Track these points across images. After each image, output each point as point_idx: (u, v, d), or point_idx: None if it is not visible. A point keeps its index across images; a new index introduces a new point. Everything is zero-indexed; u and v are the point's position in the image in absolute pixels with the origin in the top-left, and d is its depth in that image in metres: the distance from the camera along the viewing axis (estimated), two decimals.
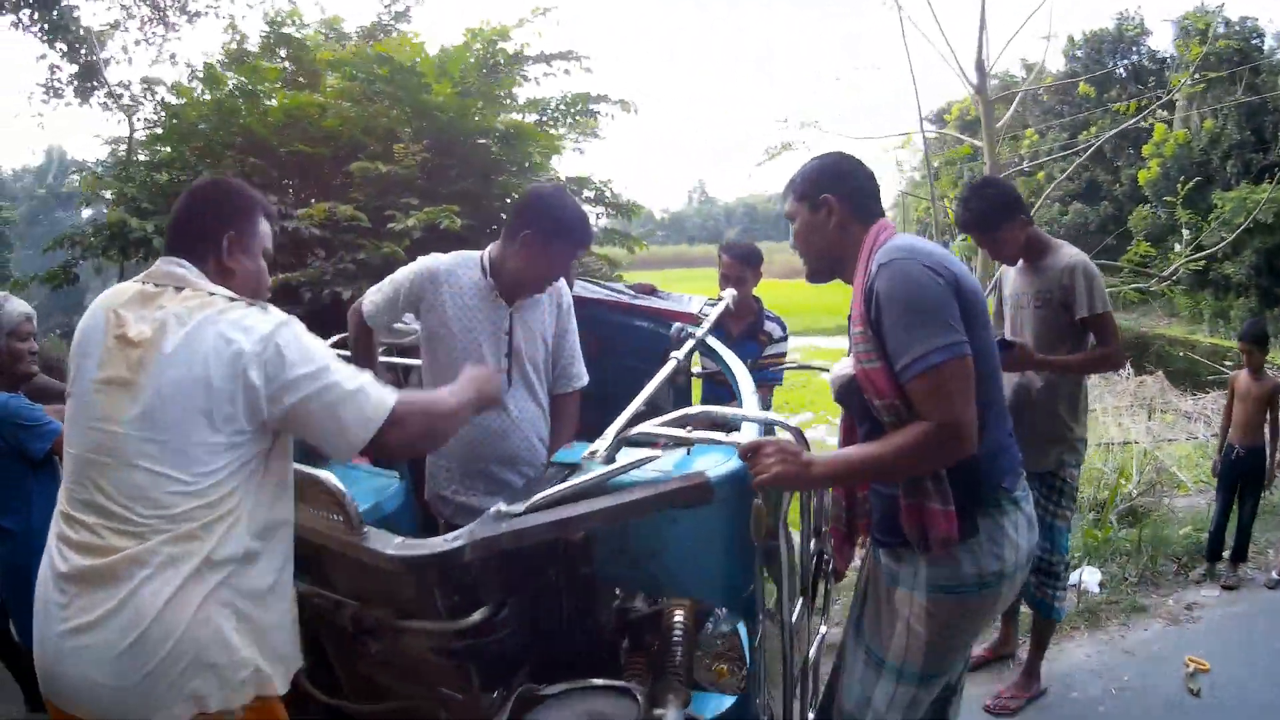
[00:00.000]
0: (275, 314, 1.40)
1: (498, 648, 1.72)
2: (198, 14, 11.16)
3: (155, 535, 1.29)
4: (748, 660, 1.79)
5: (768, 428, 1.78)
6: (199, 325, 1.34)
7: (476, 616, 1.63)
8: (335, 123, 4.37)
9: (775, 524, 1.64)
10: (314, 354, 1.39)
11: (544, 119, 5.39)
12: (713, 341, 2.63)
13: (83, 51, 9.97)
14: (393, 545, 1.57)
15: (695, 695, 1.93)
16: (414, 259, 3.95)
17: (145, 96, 4.64)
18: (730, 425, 1.83)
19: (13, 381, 2.00)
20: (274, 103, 4.35)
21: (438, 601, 1.64)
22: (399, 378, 3.10)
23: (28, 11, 9.45)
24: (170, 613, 1.28)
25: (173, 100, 4.79)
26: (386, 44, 4.70)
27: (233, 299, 1.40)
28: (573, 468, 1.75)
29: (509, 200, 4.59)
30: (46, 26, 9.39)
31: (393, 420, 1.41)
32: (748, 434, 1.80)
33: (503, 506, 1.63)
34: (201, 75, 4.81)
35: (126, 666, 1.27)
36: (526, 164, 4.82)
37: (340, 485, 1.62)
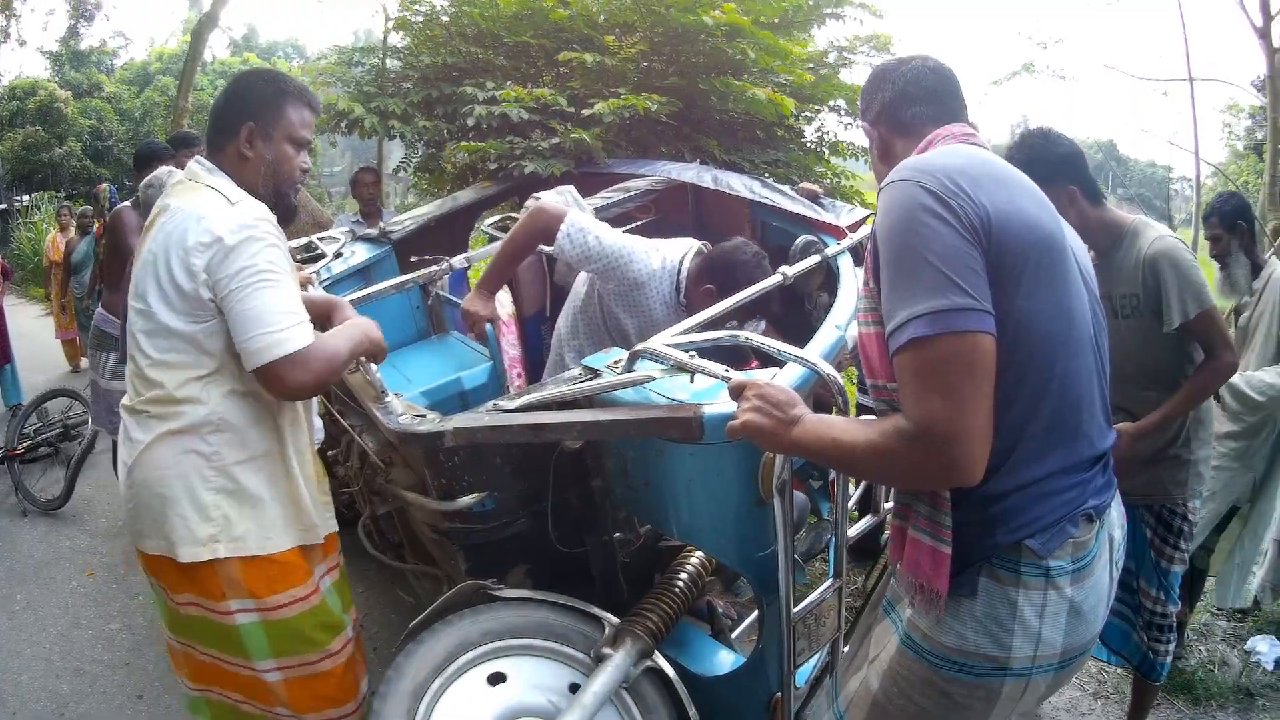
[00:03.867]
0: (247, 217, 1.39)
1: (487, 539, 1.70)
2: None
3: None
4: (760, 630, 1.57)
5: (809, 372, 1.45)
6: (176, 212, 1.40)
7: (462, 501, 1.61)
8: (563, 16, 4.39)
9: (773, 482, 1.36)
10: (259, 264, 1.36)
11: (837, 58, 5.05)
12: (844, 265, 2.23)
13: None
14: (396, 417, 1.60)
15: (704, 646, 1.78)
16: (610, 149, 4.03)
17: None
18: (777, 361, 1.53)
19: None
20: None
21: (429, 481, 1.65)
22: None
23: None
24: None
25: None
26: None
27: (221, 194, 1.42)
28: (595, 373, 1.62)
29: (715, 100, 4.35)
30: None
31: (294, 360, 1.35)
32: (787, 374, 1.50)
33: (501, 401, 1.57)
34: None
35: None
36: (751, 67, 4.46)
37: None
